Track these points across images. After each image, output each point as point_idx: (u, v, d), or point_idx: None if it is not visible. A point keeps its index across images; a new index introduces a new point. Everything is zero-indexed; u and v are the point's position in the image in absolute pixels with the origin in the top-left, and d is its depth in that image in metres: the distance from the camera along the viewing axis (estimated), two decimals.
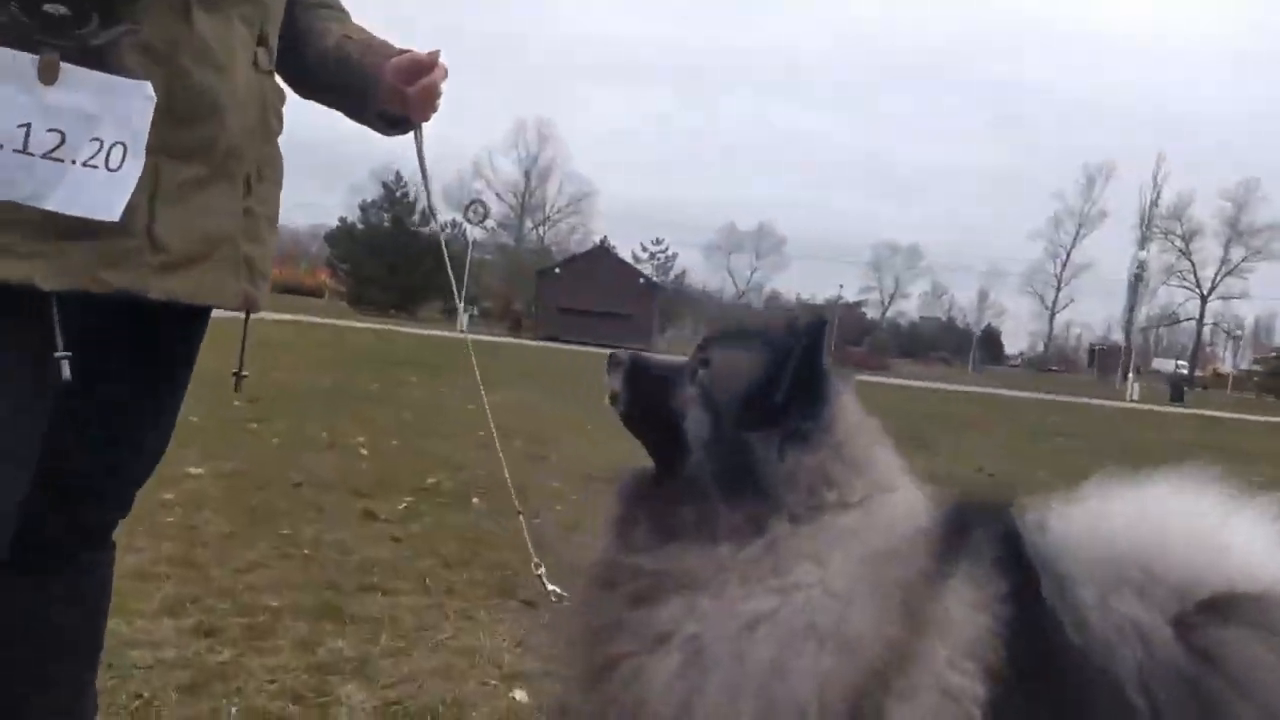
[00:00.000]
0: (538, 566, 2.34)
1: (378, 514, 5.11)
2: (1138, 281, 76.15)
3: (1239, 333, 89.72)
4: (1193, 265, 77.45)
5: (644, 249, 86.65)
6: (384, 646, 3.25)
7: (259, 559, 4.07)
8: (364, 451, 7.03)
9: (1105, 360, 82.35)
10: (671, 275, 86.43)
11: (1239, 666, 1.30)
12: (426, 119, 2.07)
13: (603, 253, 57.41)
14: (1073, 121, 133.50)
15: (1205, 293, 77.42)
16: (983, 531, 1.52)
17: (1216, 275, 76.98)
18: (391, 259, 50.32)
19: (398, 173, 52.83)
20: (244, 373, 1.99)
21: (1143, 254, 73.49)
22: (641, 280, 49.38)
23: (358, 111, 2.05)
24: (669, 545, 1.53)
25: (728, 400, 1.58)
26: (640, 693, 1.46)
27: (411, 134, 2.11)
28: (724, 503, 1.51)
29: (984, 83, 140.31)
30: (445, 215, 64.40)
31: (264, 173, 1.84)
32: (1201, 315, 79.04)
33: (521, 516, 2.56)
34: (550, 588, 2.29)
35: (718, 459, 1.55)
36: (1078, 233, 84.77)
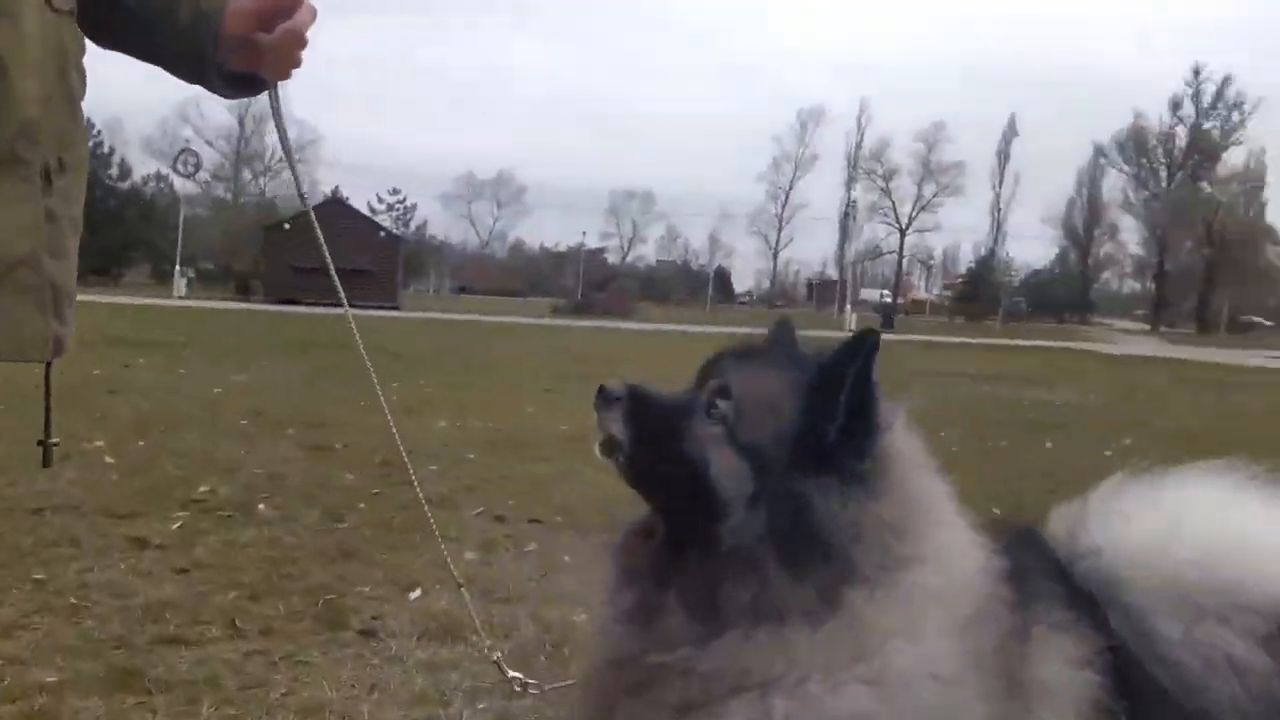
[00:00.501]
0: (492, 650, 2.05)
1: (148, 539, 4.36)
2: (847, 219, 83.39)
3: (932, 262, 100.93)
4: (893, 203, 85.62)
5: (380, 200, 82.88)
6: (208, 717, 2.72)
7: (15, 618, 3.31)
8: (108, 459, 6.02)
9: (822, 293, 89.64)
10: (413, 227, 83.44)
11: None
12: (286, 76, 1.60)
13: (337, 205, 54.00)
14: (787, 69, 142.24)
15: (904, 227, 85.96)
16: (1038, 566, 1.38)
17: (913, 211, 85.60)
18: (86, 218, 44.37)
19: (88, 119, 46.35)
20: (53, 440, 1.48)
21: (851, 194, 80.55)
22: (382, 233, 47.03)
23: (191, 68, 1.55)
24: (721, 635, 1.25)
25: (767, 440, 1.30)
26: None
27: (258, 96, 1.65)
28: (783, 573, 1.25)
29: (711, 30, 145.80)
30: (148, 167, 57.84)
31: (65, 159, 1.38)
32: (901, 248, 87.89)
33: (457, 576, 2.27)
34: (513, 675, 2.01)
35: (767, 517, 1.27)
36: (794, 175, 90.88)
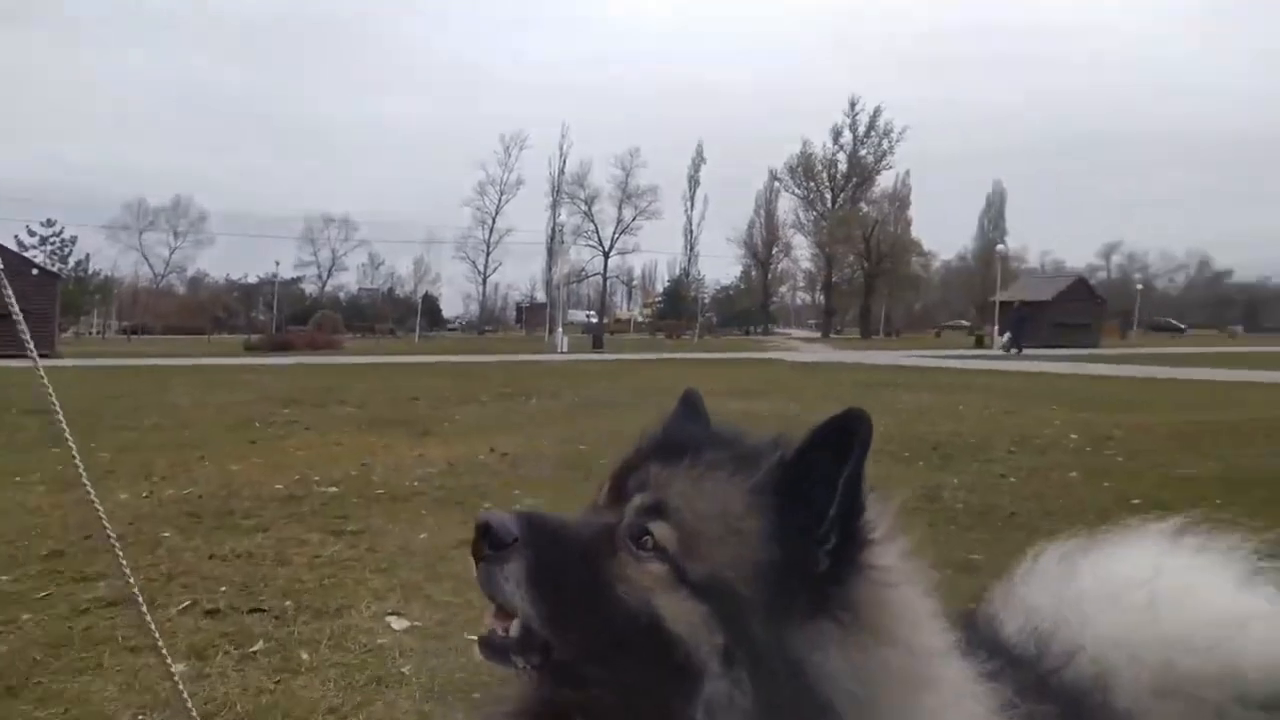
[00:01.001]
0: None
1: None
2: (553, 242, 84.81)
3: (634, 283, 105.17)
4: (595, 226, 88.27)
5: (32, 233, 72.35)
6: None
7: None
8: None
9: (532, 316, 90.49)
10: (72, 262, 73.46)
11: None
12: None
13: None
14: (491, 92, 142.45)
15: (606, 250, 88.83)
16: (1021, 683, 1.12)
17: (614, 233, 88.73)
18: None
19: None
20: None
21: (556, 218, 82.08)
22: (35, 271, 40.86)
23: None
24: None
25: (731, 574, 0.97)
26: None
27: None
28: None
29: (405, 46, 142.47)
30: None
31: None
32: (605, 269, 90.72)
33: None
34: None
35: (751, 684, 0.94)
36: (500, 199, 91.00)
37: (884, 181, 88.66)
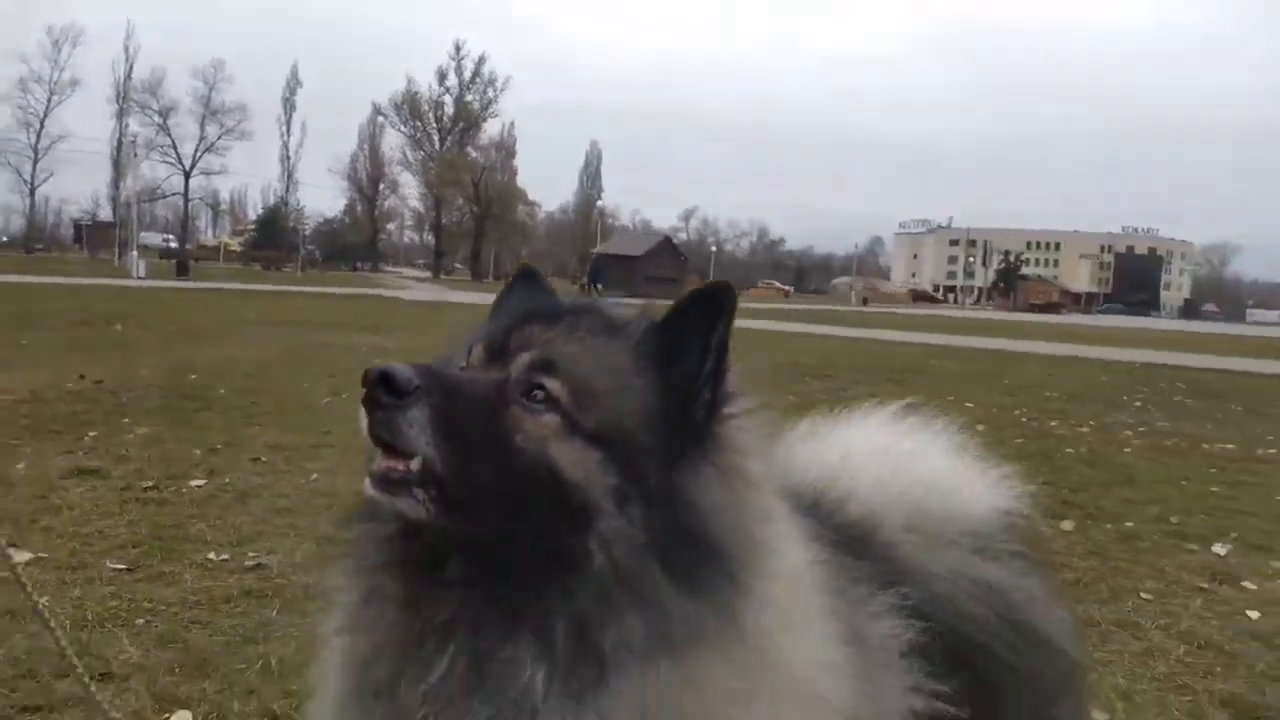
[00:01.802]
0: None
1: None
2: (122, 155, 74.01)
3: (222, 207, 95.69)
4: (173, 141, 78.37)
5: None
6: None
7: None
8: None
9: (95, 237, 78.70)
10: None
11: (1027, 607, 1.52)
12: None
13: None
14: None
15: (188, 169, 79.48)
16: (824, 536, 1.29)
17: (196, 151, 79.57)
18: None
19: None
20: None
21: (125, 127, 71.58)
22: None
23: None
24: (608, 683, 1.01)
25: (621, 425, 1.06)
26: None
27: None
28: (676, 591, 1.03)
29: None
30: None
31: None
32: (186, 190, 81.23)
33: None
34: None
35: (644, 522, 1.03)
36: (50, 100, 77.01)
37: (491, 129, 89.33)
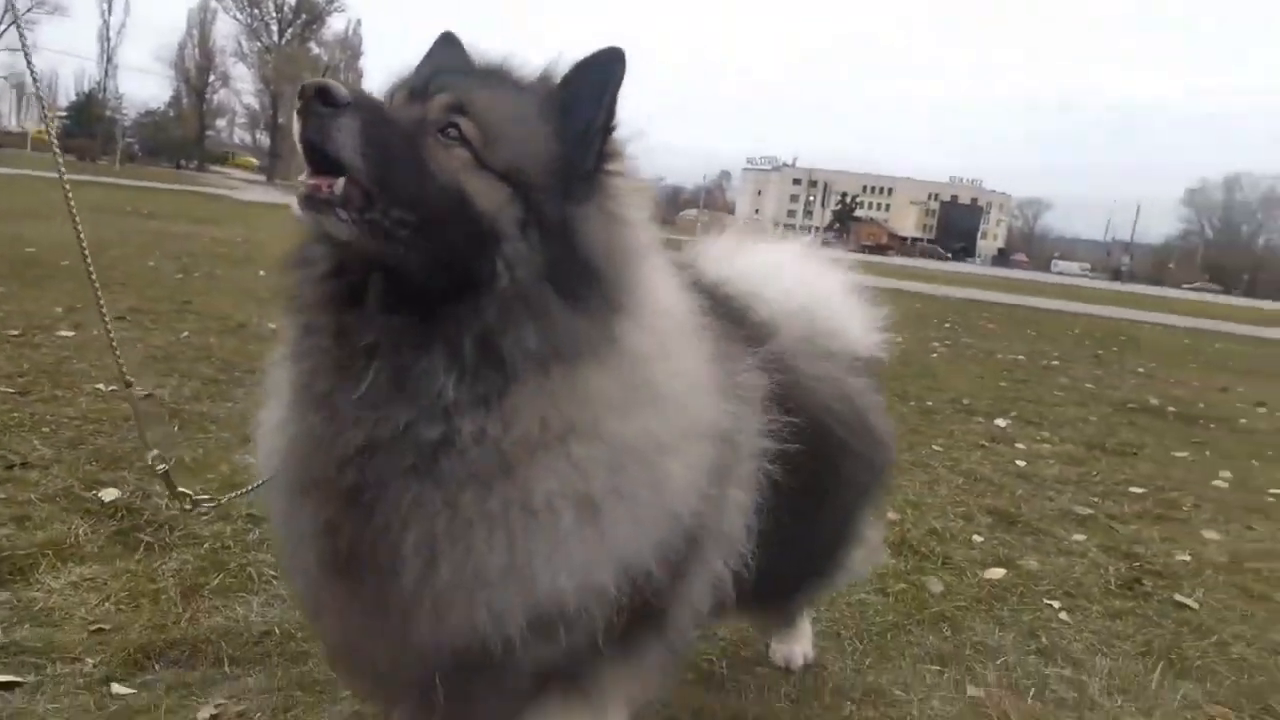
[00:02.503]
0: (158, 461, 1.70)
1: None
2: None
3: (31, 90, 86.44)
4: None
5: None
6: None
7: None
8: None
9: None
10: None
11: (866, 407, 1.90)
12: None
13: None
14: None
15: None
16: (711, 306, 1.48)
17: None
18: None
19: None
20: None
21: None
22: None
23: None
24: (510, 390, 1.18)
25: (524, 164, 1.20)
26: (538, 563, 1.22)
27: None
28: (567, 309, 1.19)
29: None
30: None
31: None
32: None
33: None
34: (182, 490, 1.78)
35: (542, 248, 1.19)
36: None
37: (336, 25, 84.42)
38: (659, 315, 1.31)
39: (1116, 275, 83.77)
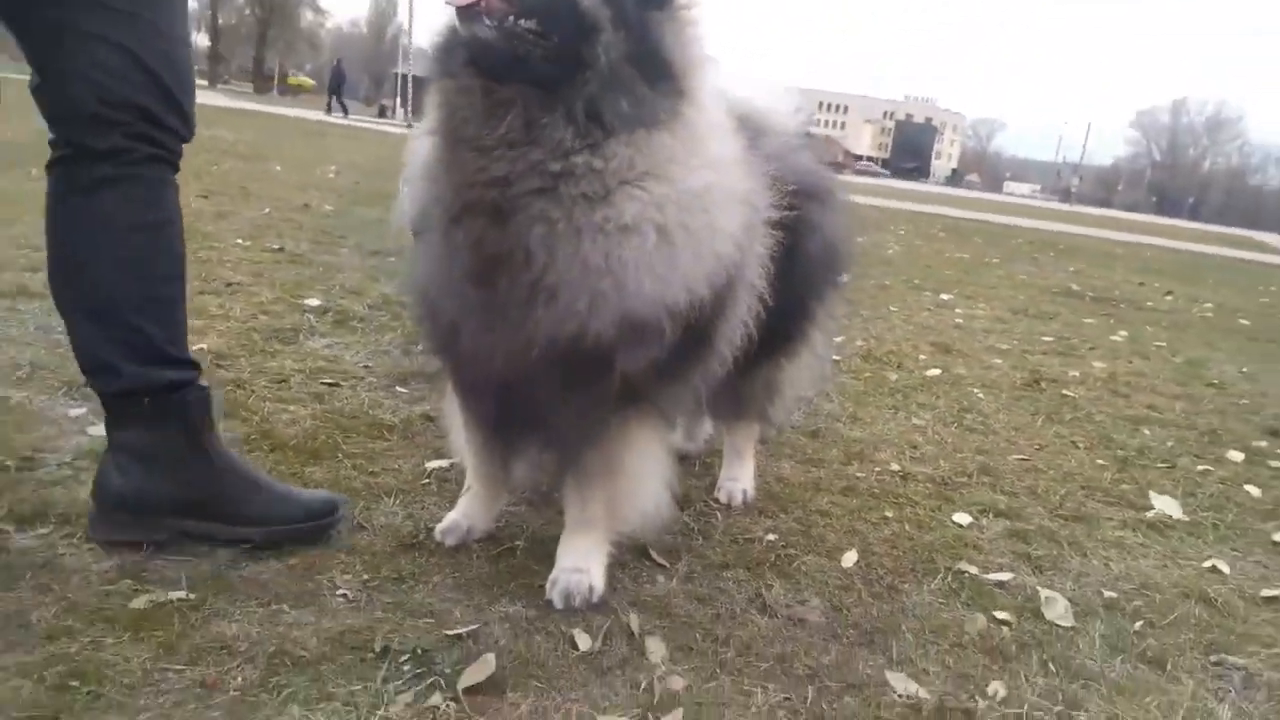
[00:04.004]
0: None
1: None
2: None
3: None
4: None
5: None
6: None
7: None
8: None
9: None
10: None
11: (823, 177, 2.31)
12: None
13: None
14: None
15: None
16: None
17: None
18: None
19: None
20: None
21: None
22: None
23: None
24: (608, 142, 1.57)
25: None
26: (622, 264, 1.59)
27: None
28: (647, 89, 1.58)
29: None
30: None
31: None
32: None
33: None
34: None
35: (627, 39, 1.56)
36: None
37: None
38: (710, 105, 1.72)
39: (1066, 196, 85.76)
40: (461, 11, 1.51)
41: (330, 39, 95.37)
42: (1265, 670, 1.97)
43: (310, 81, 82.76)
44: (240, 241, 5.07)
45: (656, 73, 1.59)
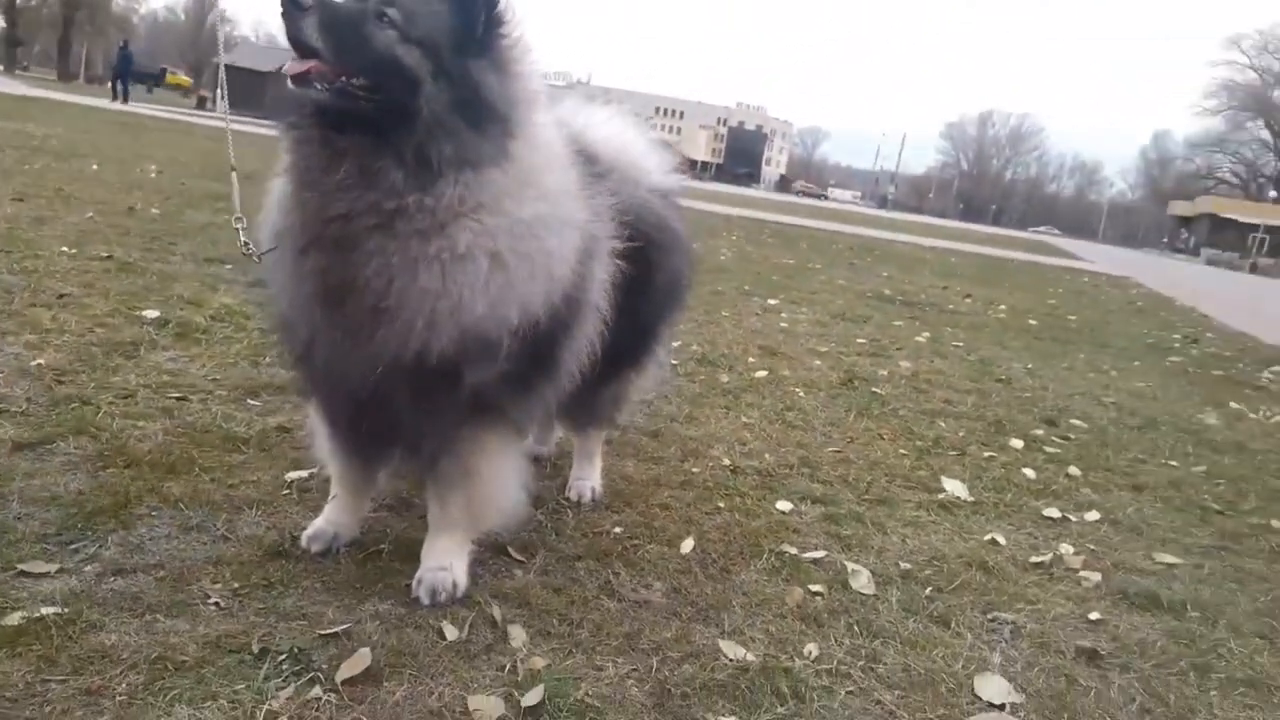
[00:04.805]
0: (239, 220, 2.29)
1: None
2: None
3: None
4: None
5: None
6: None
7: None
8: None
9: None
10: None
11: (672, 221, 2.51)
12: None
13: None
14: None
15: None
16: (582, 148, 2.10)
17: None
18: None
19: None
20: None
21: None
22: None
23: None
24: (438, 182, 1.72)
25: (434, 34, 1.72)
26: (459, 286, 1.75)
27: None
28: (471, 132, 1.73)
29: None
30: None
31: None
32: None
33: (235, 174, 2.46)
34: (244, 240, 2.22)
35: (449, 90, 1.71)
36: None
37: None
38: (541, 141, 1.87)
39: (883, 203, 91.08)
40: (295, 79, 1.68)
41: (144, 26, 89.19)
42: (1029, 623, 2.36)
43: (188, 79, 77.08)
44: (65, 249, 4.86)
45: (480, 116, 1.75)
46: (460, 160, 1.73)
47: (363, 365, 1.81)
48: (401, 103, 1.69)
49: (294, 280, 1.85)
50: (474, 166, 1.75)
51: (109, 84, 35.25)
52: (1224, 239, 56.30)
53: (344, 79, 1.68)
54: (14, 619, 1.74)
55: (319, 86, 1.67)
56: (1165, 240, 74.72)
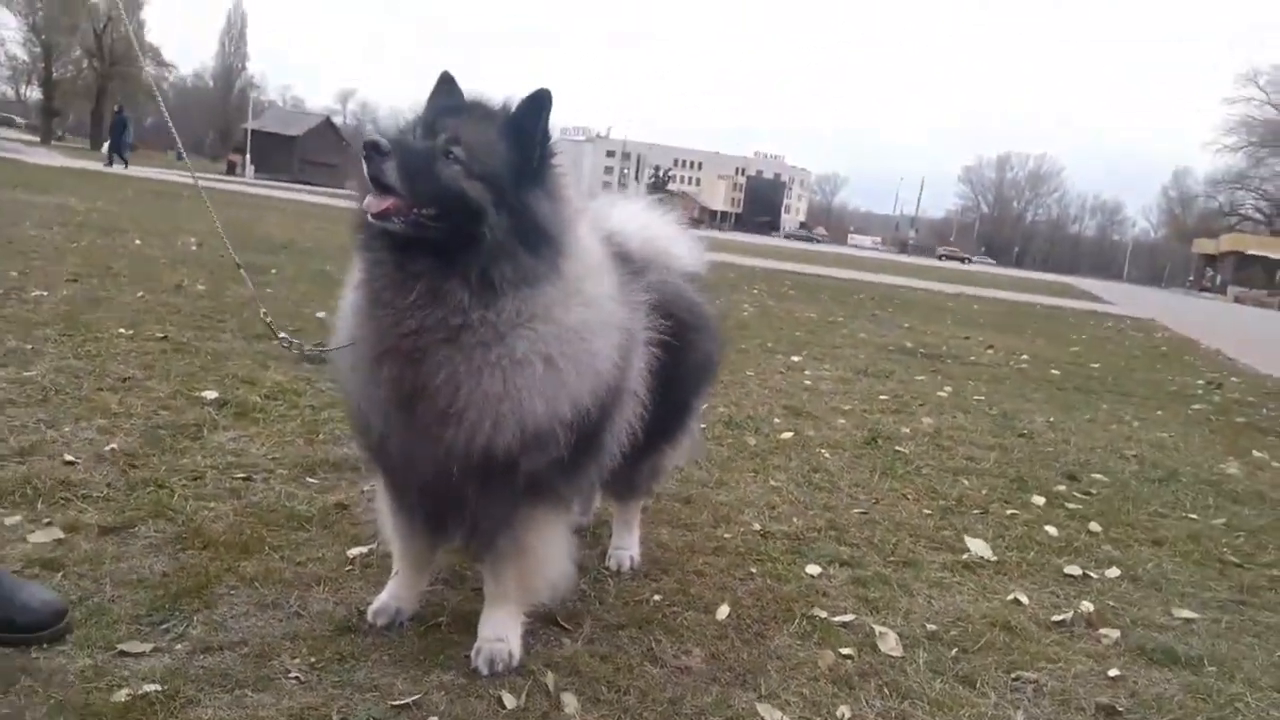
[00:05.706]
0: (267, 315, 2.55)
1: None
2: None
3: None
4: None
5: None
6: None
7: None
8: None
9: None
10: None
11: (699, 306, 2.67)
12: None
13: None
14: None
15: None
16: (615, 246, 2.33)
17: None
18: None
19: None
20: None
21: None
22: None
23: None
24: (500, 300, 1.92)
25: (494, 170, 1.92)
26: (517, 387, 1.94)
27: None
28: (528, 254, 1.93)
29: None
30: None
31: None
32: None
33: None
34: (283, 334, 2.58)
35: (509, 219, 1.90)
36: None
37: None
38: (585, 254, 2.07)
39: (904, 248, 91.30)
40: (376, 216, 1.88)
41: (174, 93, 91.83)
42: (1050, 681, 2.49)
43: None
44: (123, 331, 5.15)
45: (536, 239, 1.95)
46: (519, 280, 1.93)
47: (433, 461, 2.01)
48: (467, 231, 1.89)
49: (369, 385, 2.05)
50: (530, 284, 1.95)
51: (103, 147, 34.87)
52: (1251, 275, 56.03)
53: (416, 210, 1.87)
54: (121, 696, 1.93)
55: (396, 220, 1.87)
56: (1191, 279, 74.30)
